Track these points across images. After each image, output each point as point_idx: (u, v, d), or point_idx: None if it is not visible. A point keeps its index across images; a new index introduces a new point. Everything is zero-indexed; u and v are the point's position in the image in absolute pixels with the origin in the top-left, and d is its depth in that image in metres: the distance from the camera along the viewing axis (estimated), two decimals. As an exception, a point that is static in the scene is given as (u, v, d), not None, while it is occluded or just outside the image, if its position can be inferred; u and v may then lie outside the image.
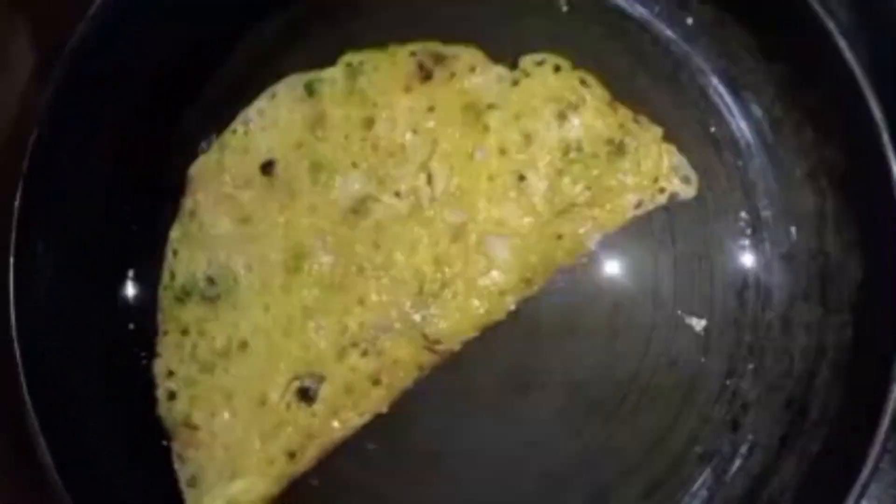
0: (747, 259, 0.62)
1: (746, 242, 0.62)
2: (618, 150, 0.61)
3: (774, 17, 0.58)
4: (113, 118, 0.61)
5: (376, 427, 0.61)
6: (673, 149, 0.61)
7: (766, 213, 0.61)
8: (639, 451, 0.61)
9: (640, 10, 0.63)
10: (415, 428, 0.62)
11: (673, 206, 0.62)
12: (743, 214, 0.62)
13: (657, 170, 0.61)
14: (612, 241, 0.62)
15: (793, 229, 0.61)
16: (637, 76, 0.62)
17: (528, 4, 0.64)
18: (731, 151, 0.62)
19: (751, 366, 0.61)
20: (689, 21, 0.62)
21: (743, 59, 0.61)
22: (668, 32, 0.63)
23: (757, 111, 0.62)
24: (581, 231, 0.61)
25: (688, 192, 0.61)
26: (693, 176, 0.61)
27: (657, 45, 0.63)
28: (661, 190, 0.61)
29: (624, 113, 0.61)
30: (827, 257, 0.59)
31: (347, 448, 0.62)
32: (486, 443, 0.62)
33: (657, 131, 0.61)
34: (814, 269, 0.60)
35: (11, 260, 0.57)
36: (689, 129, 0.62)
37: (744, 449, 0.60)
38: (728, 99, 0.62)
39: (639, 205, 0.61)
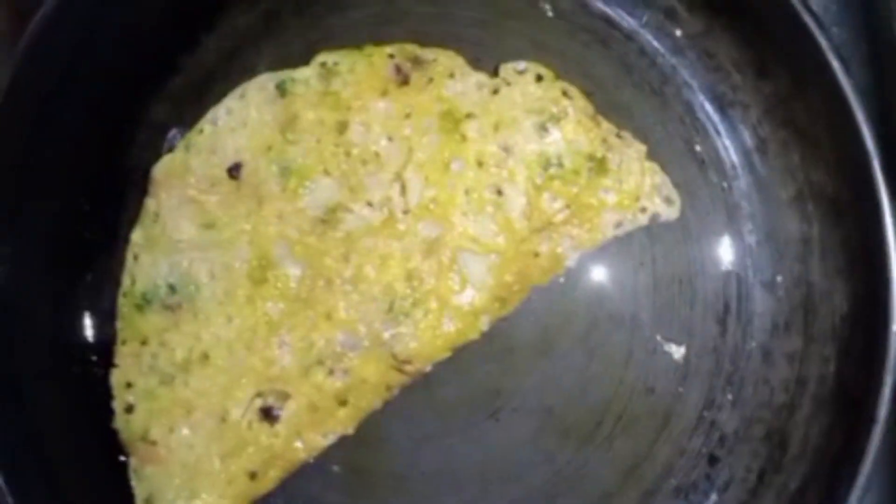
0: (729, 285, 0.60)
1: (729, 267, 0.60)
2: (599, 166, 0.59)
3: (765, 32, 0.56)
4: (74, 105, 0.58)
5: (341, 447, 0.59)
6: (656, 167, 0.59)
7: (749, 238, 0.60)
8: (612, 479, 0.59)
9: (627, 20, 0.61)
10: (381, 449, 0.60)
11: (654, 227, 0.60)
12: (726, 238, 0.60)
13: (639, 189, 0.59)
14: (591, 261, 0.60)
15: (776, 255, 0.59)
16: (622, 89, 0.60)
17: (511, 7, 0.61)
18: (715, 171, 0.60)
19: (729, 396, 0.59)
20: (678, 33, 0.60)
21: (731, 75, 0.59)
22: (656, 44, 0.60)
23: (744, 130, 0.60)
24: (559, 250, 0.59)
25: (670, 213, 0.59)
26: (675, 196, 0.59)
27: (644, 56, 0.60)
28: (643, 210, 0.59)
29: (607, 127, 0.59)
30: (811, 286, 0.57)
31: (311, 469, 0.59)
32: (454, 466, 0.60)
33: (640, 148, 0.59)
34: (797, 298, 0.58)
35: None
36: (674, 146, 0.60)
37: (720, 483, 0.59)
38: (714, 116, 0.60)
39: (619, 224, 0.59)
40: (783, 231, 0.59)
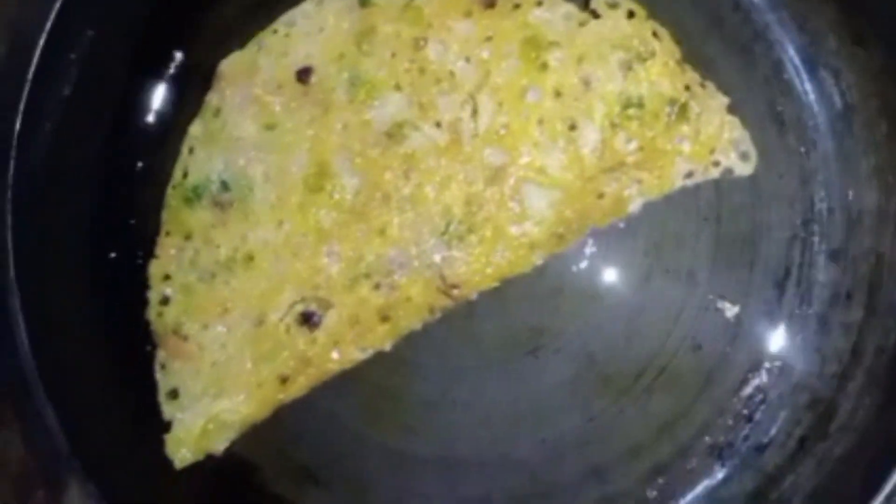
0: (793, 251, 0.59)
1: (795, 233, 0.59)
2: (679, 112, 0.58)
3: (870, -1, 0.55)
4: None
5: (372, 365, 0.58)
6: (736, 121, 0.58)
7: (821, 206, 0.59)
8: (646, 432, 0.58)
9: (726, -30, 0.59)
10: (413, 373, 0.59)
11: (723, 185, 0.59)
12: (796, 204, 0.59)
13: (716, 141, 0.58)
14: (653, 212, 0.59)
15: (847, 225, 0.58)
16: (710, 41, 0.59)
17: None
18: (795, 135, 0.59)
19: (778, 362, 0.58)
20: (777, -11, 0.59)
21: (826, 39, 0.58)
22: (753, -1, 0.60)
23: (832, 96, 0.58)
24: (625, 193, 0.58)
25: (744, 169, 0.58)
26: (752, 153, 0.58)
27: (738, 10, 0.59)
28: (716, 163, 0.58)
29: (692, 75, 0.58)
30: (880, 258, 0.57)
31: (338, 383, 0.58)
32: (486, 400, 0.59)
33: (723, 100, 0.58)
34: (864, 270, 0.57)
35: (17, 124, 0.53)
36: (755, 105, 0.59)
37: (757, 445, 0.58)
38: (803, 78, 0.59)
39: (690, 175, 0.58)
40: (858, 202, 0.58)
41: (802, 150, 0.59)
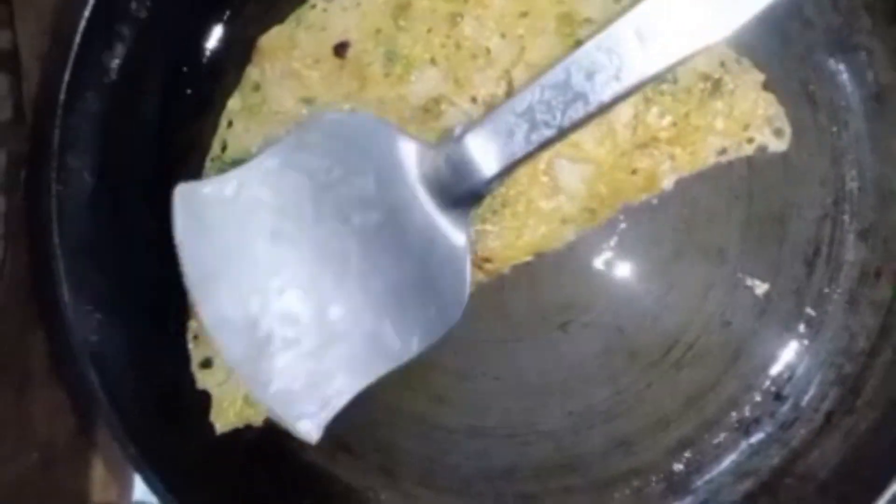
0: (823, 229, 0.59)
1: (825, 212, 0.59)
2: (714, 88, 0.58)
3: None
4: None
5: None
6: (772, 98, 0.58)
7: (851, 185, 0.59)
8: (673, 407, 0.59)
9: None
10: (445, 344, 0.58)
11: (755, 163, 0.59)
12: (827, 183, 0.59)
13: (750, 117, 0.58)
14: (685, 189, 0.59)
15: (878, 205, 0.58)
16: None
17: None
18: (827, 114, 0.59)
19: (806, 339, 0.59)
20: (811, -34, 0.59)
21: (860, 18, 0.58)
22: (785, -24, 0.60)
23: (865, 76, 0.58)
24: (658, 169, 0.58)
25: (778, 145, 0.59)
26: (787, 129, 0.58)
27: (770, -12, 0.59)
28: (750, 140, 0.58)
29: (726, 51, 0.58)
30: (911, 237, 0.57)
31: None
32: (515, 371, 0.60)
33: (758, 77, 0.58)
34: (893, 247, 0.57)
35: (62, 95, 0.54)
36: (788, 84, 0.59)
37: (784, 421, 0.58)
38: (837, 58, 0.59)
39: (723, 151, 0.58)
40: (888, 182, 0.58)
41: (834, 129, 0.59)
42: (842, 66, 0.59)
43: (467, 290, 0.55)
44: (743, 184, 0.59)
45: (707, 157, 0.59)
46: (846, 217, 0.59)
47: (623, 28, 0.52)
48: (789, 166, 0.59)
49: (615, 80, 0.52)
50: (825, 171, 0.59)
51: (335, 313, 0.55)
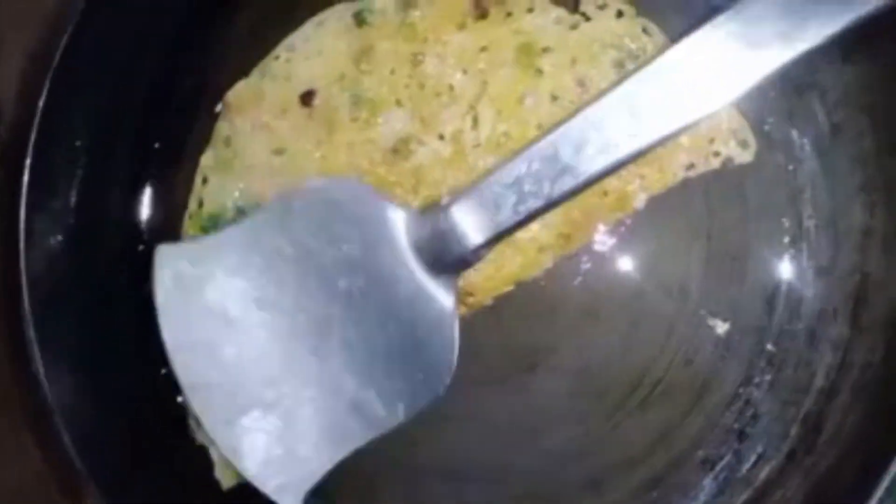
0: (782, 267, 0.60)
1: (784, 250, 0.60)
2: (675, 106, 0.58)
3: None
4: (150, 26, 0.59)
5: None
6: (734, 112, 0.59)
7: (808, 223, 0.59)
8: (641, 445, 0.60)
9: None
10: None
11: (714, 201, 0.60)
12: (785, 221, 0.60)
13: (715, 131, 0.59)
14: (647, 228, 0.60)
15: (834, 242, 0.59)
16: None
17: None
18: (783, 152, 0.60)
19: (768, 376, 0.59)
20: (760, 5, 0.59)
21: (813, 57, 0.54)
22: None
23: (818, 114, 0.59)
24: (628, 189, 0.59)
25: (744, 157, 0.59)
26: (752, 141, 0.59)
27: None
28: (716, 153, 0.59)
29: None
30: (866, 276, 0.57)
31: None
32: (485, 413, 0.61)
33: None
34: (850, 287, 0.58)
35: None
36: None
37: (748, 459, 0.59)
38: (790, 96, 0.59)
39: (691, 166, 0.59)
40: (845, 219, 0.58)
41: (790, 168, 0.60)
42: (796, 106, 0.59)
43: (456, 353, 0.54)
44: (702, 224, 0.60)
45: (676, 172, 0.59)
46: (804, 255, 0.59)
47: (613, 101, 0.51)
48: (746, 206, 0.60)
49: (604, 154, 0.51)
50: (783, 208, 0.60)
51: (318, 380, 0.55)
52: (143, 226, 0.62)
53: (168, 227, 0.61)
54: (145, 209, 0.62)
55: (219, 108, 0.61)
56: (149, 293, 0.55)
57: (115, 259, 0.60)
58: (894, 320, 0.55)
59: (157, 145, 0.62)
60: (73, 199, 0.58)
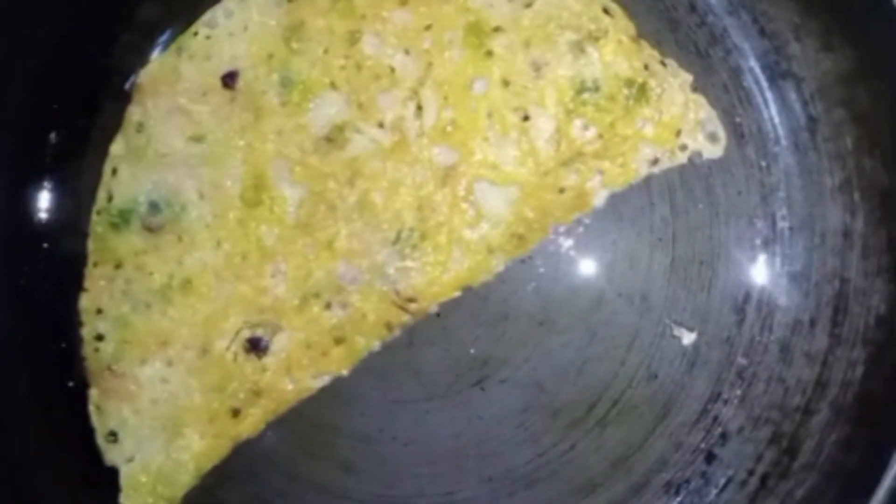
0: (753, 272, 0.56)
1: (755, 254, 0.56)
2: (639, 93, 0.54)
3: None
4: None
5: (308, 399, 0.55)
6: (702, 100, 0.55)
7: (782, 224, 0.56)
8: (599, 468, 0.55)
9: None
10: (351, 406, 0.55)
11: (678, 201, 0.56)
12: (757, 222, 0.56)
13: (681, 122, 0.55)
14: (607, 228, 0.56)
15: (810, 246, 0.55)
16: (664, 46, 0.56)
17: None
18: (755, 148, 0.56)
19: (738, 392, 0.55)
20: (736, -10, 0.56)
21: (789, 44, 0.55)
22: (710, 0, 0.56)
23: (794, 106, 0.55)
24: (587, 185, 0.55)
25: (713, 151, 0.55)
26: (722, 133, 0.55)
27: (693, 13, 0.56)
28: (683, 147, 0.55)
29: (650, 52, 0.55)
30: (845, 283, 0.54)
31: (271, 420, 0.55)
32: (428, 435, 0.56)
33: (686, 78, 0.55)
34: (828, 294, 0.54)
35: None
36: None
37: (717, 483, 0.55)
38: (763, 86, 0.56)
39: (655, 161, 0.55)
40: (822, 221, 0.55)
41: (763, 164, 0.56)
42: (769, 96, 0.56)
43: None
44: (666, 227, 0.56)
45: (639, 168, 0.55)
46: (778, 259, 0.56)
47: None
48: (714, 205, 0.56)
49: None
50: (754, 209, 0.56)
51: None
52: (43, 224, 0.56)
53: (73, 224, 0.56)
54: (43, 205, 0.56)
55: (128, 87, 0.56)
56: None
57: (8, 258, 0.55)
58: (875, 333, 0.52)
59: (52, 135, 0.56)
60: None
